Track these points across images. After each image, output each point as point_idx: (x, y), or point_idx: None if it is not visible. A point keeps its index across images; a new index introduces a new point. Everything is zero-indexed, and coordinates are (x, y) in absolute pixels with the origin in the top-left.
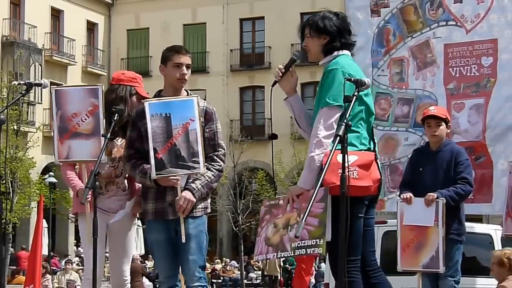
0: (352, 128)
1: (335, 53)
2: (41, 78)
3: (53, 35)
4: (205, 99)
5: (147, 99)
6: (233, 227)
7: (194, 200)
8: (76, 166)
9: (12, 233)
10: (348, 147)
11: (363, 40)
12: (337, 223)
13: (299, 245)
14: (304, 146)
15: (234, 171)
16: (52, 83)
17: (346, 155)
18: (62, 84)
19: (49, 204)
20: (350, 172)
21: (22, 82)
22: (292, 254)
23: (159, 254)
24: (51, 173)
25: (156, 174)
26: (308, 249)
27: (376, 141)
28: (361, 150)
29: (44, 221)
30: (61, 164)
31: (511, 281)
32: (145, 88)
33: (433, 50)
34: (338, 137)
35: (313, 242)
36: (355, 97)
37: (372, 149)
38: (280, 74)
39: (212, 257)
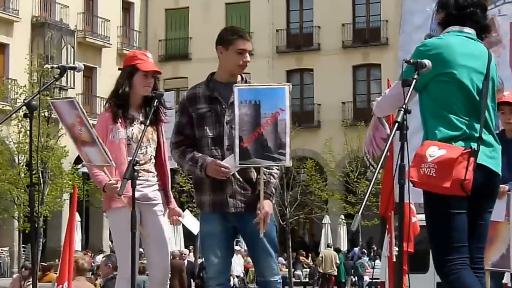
0: (441, 111)
1: (448, 29)
2: (74, 62)
3: (86, 15)
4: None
5: (237, 85)
6: (280, 221)
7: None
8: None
9: (43, 227)
10: (431, 136)
11: (422, 18)
12: (431, 221)
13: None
14: (356, 133)
15: None
16: (85, 67)
17: (406, 143)
18: (96, 68)
19: (82, 196)
20: (427, 169)
21: (55, 66)
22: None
23: (213, 247)
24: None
25: (240, 164)
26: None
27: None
28: (451, 137)
29: (77, 214)
30: (88, 167)
31: None
32: (184, 72)
33: (498, 29)
34: (397, 124)
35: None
36: (414, 80)
37: (473, 137)
38: None
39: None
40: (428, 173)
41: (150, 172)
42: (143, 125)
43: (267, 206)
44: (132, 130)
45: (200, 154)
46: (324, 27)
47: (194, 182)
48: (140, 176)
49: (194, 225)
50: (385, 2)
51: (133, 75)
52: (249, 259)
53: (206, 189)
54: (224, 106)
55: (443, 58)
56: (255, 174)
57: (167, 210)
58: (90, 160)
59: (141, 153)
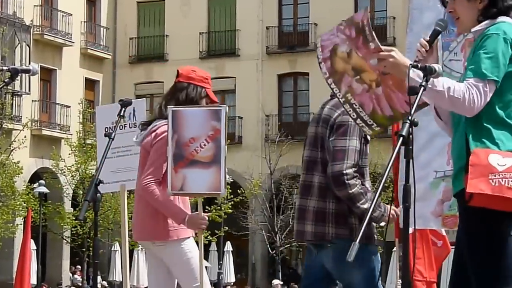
0: (505, 119)
1: (498, 19)
2: (29, 62)
3: (44, 8)
4: (234, 89)
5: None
6: (269, 249)
7: None
8: None
9: None
10: (493, 145)
11: (433, 16)
12: (487, 245)
13: (353, 103)
14: None
15: (270, 179)
16: (43, 69)
17: (411, 160)
18: (55, 70)
19: (38, 221)
20: (503, 179)
21: (5, 68)
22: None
23: None
24: (42, 182)
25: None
26: (357, 119)
27: None
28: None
29: (32, 241)
30: (172, 197)
31: None
32: (159, 75)
33: None
34: (402, 138)
35: (369, 121)
36: (422, 87)
37: None
38: (425, 52)
39: (242, 286)
40: (507, 184)
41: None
42: None
43: None
44: None
45: None
46: (321, 24)
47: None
48: None
49: None
50: None
51: (201, 98)
52: None
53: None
54: None
55: None
56: None
57: None
58: (183, 188)
59: None
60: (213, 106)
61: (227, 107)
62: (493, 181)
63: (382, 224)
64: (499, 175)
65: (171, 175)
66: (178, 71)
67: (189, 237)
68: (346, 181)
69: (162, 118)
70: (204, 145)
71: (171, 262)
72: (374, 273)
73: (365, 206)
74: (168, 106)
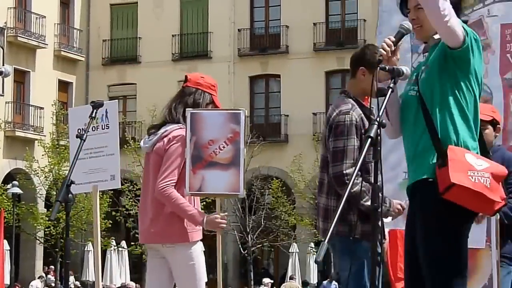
0: (469, 116)
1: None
2: (3, 64)
3: (18, 10)
4: None
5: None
6: (241, 249)
7: None
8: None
9: None
10: (460, 143)
11: (401, 19)
12: (449, 236)
13: None
14: None
15: None
16: (17, 70)
17: (379, 162)
18: (29, 72)
19: (11, 221)
20: (482, 178)
21: None
22: None
23: None
24: (15, 182)
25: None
26: None
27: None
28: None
29: (5, 242)
30: (188, 196)
31: None
32: (132, 77)
33: (487, 32)
34: (370, 139)
35: None
36: (390, 89)
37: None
38: (390, 52)
39: (214, 286)
40: (484, 183)
41: None
42: None
43: None
44: None
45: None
46: (293, 27)
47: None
48: None
49: None
50: None
51: (207, 104)
52: None
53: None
54: None
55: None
56: None
57: None
58: (201, 188)
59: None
60: (232, 110)
61: (246, 110)
62: (472, 178)
63: (388, 220)
64: (477, 173)
65: (189, 176)
66: (186, 76)
67: (199, 240)
68: (347, 181)
69: (172, 122)
70: (223, 147)
71: (175, 264)
72: (363, 270)
73: (369, 203)
74: (187, 109)
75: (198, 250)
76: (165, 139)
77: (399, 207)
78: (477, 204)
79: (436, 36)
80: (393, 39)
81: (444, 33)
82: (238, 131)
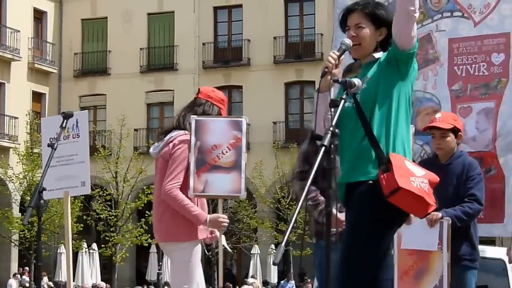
0: (405, 131)
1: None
2: None
3: None
4: (172, 101)
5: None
6: (205, 251)
7: None
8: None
9: None
10: (399, 151)
11: None
12: (379, 237)
13: None
14: (288, 156)
15: None
16: None
17: (332, 170)
18: (4, 84)
19: None
20: (422, 183)
21: None
22: None
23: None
24: None
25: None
26: None
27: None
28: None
29: None
30: (192, 197)
31: None
32: (102, 88)
33: (435, 46)
34: (324, 147)
35: None
36: (343, 100)
37: None
38: (336, 64)
39: None
40: (424, 188)
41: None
42: None
43: None
44: None
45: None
46: (254, 40)
47: None
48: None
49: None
50: (320, 14)
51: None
52: None
53: None
54: None
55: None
56: None
57: None
58: (205, 190)
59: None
60: (235, 117)
61: (247, 118)
62: (414, 183)
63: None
64: (418, 179)
65: (194, 179)
66: (199, 89)
67: (197, 240)
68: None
69: (179, 129)
70: (226, 152)
71: (173, 260)
72: None
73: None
74: (191, 116)
75: (196, 250)
76: (171, 144)
77: None
78: (416, 207)
79: (376, 55)
80: (337, 53)
81: (405, 30)
82: (240, 137)
